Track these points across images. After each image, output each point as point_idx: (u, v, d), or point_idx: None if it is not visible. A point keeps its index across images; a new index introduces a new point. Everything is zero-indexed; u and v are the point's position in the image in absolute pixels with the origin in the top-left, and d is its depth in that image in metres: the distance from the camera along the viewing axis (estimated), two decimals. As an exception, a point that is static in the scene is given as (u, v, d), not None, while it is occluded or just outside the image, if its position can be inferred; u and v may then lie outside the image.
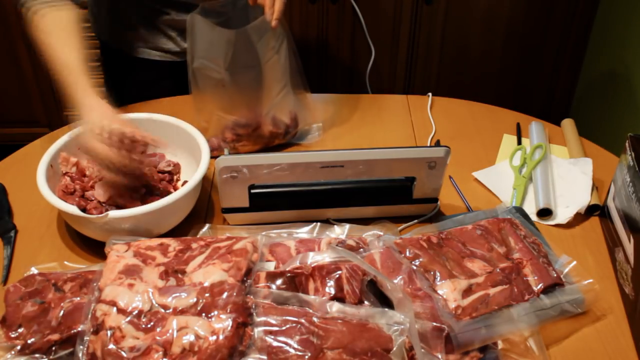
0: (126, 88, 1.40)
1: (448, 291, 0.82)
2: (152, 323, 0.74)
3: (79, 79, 0.98)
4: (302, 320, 0.75)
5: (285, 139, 1.19)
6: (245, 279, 0.80)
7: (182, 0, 1.24)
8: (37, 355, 0.76)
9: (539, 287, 0.86)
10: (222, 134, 1.14)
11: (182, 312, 0.75)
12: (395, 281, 0.83)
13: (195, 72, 1.08)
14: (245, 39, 1.05)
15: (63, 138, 1.02)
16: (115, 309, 0.75)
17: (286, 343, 0.73)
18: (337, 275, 0.80)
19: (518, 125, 1.26)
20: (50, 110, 2.33)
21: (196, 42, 1.06)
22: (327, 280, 0.80)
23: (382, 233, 0.95)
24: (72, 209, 0.89)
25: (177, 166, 1.07)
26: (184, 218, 0.98)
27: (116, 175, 0.94)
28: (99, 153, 0.90)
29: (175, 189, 1.03)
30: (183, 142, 1.05)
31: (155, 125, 1.07)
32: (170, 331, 0.73)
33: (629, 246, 0.88)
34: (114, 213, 0.88)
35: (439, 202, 1.03)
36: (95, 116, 0.93)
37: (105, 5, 1.30)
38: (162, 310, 0.75)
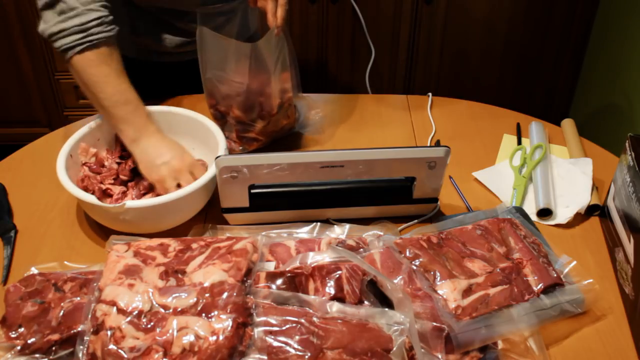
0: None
1: (448, 291, 0.82)
2: (152, 323, 0.74)
3: (137, 112, 1.00)
4: (302, 320, 0.75)
5: (292, 130, 1.21)
6: (245, 279, 0.80)
7: (178, 9, 1.24)
8: (37, 355, 0.76)
9: (539, 287, 0.86)
10: (236, 138, 1.14)
11: (182, 312, 0.75)
12: (395, 281, 0.83)
13: (207, 82, 1.11)
14: (257, 51, 1.06)
15: (82, 129, 1.03)
16: (115, 309, 0.75)
17: (286, 343, 0.73)
18: (337, 275, 0.80)
19: (518, 125, 1.26)
20: (50, 110, 2.33)
21: (207, 54, 1.07)
22: (327, 280, 0.80)
23: (382, 233, 0.95)
24: (91, 198, 0.91)
25: None
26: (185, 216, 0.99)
27: None
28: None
29: None
30: (200, 135, 1.07)
31: (174, 118, 1.09)
32: (171, 331, 0.73)
33: (629, 246, 0.88)
34: (130, 203, 0.89)
35: (439, 202, 1.03)
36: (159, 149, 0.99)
37: None
38: (162, 311, 0.75)
